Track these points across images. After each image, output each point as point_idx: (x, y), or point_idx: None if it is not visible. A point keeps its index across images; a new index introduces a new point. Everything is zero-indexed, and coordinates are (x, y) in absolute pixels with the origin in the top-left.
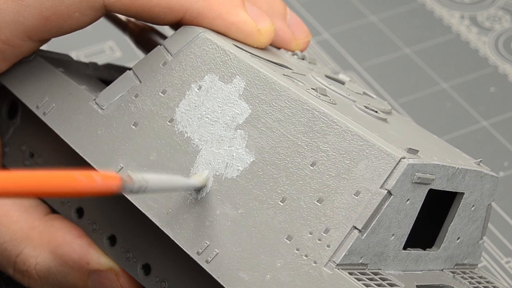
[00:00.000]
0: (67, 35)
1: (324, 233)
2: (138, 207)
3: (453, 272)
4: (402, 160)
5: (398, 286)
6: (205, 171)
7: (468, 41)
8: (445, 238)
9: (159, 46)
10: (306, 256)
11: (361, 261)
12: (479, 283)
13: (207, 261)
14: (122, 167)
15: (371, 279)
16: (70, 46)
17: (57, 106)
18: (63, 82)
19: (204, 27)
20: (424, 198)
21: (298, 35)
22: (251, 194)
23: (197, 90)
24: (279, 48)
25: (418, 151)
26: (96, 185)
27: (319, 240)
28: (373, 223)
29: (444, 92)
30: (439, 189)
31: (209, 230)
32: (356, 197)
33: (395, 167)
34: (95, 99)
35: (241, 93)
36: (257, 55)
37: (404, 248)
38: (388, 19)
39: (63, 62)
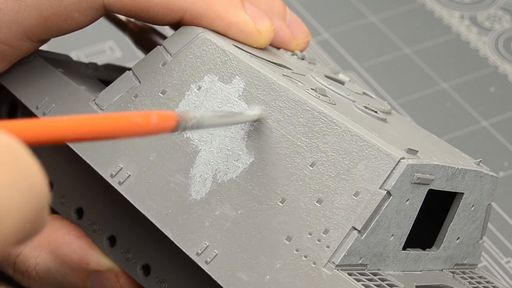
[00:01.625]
0: (67, 35)
1: (324, 233)
2: (138, 208)
3: (452, 272)
4: (402, 160)
5: (398, 286)
6: (256, 107)
7: (468, 41)
8: (444, 238)
9: (158, 46)
10: (305, 256)
11: (360, 261)
12: (479, 283)
13: (206, 262)
14: (122, 168)
15: (370, 280)
16: (70, 46)
17: (57, 106)
18: (63, 82)
19: (204, 27)
20: (423, 198)
21: (297, 35)
22: (250, 195)
23: (197, 91)
24: (278, 48)
25: (417, 151)
26: (152, 125)
27: (318, 240)
28: (373, 223)
29: (444, 92)
30: (439, 189)
31: (208, 231)
32: (355, 198)
33: (394, 167)
34: (94, 100)
35: (241, 93)
36: (257, 55)
37: (404, 248)
38: (388, 19)
39: (62, 63)
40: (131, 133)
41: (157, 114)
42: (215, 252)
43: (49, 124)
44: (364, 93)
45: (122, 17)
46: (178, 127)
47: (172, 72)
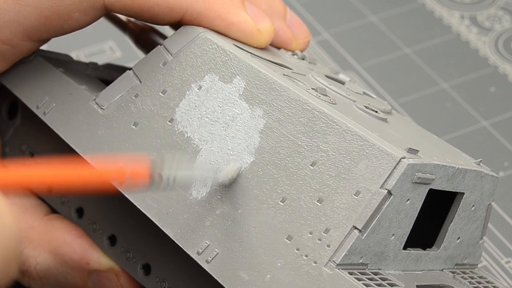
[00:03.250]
0: (67, 35)
1: (324, 233)
2: (139, 207)
3: (453, 272)
4: (402, 160)
5: (398, 286)
6: (235, 165)
7: (468, 41)
8: (445, 238)
9: (159, 46)
10: (306, 256)
11: (361, 261)
12: (479, 283)
13: (207, 261)
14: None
15: (371, 279)
16: (70, 46)
17: (57, 106)
18: (63, 82)
19: (204, 27)
20: (424, 198)
21: (298, 35)
22: (251, 194)
23: (197, 90)
24: (279, 48)
25: (418, 151)
26: (125, 182)
27: (319, 240)
28: (373, 223)
29: (444, 92)
30: (439, 189)
31: (209, 230)
32: (356, 197)
33: (395, 167)
34: (95, 99)
35: (241, 93)
36: (257, 55)
37: (404, 248)
38: (388, 19)
39: (63, 62)
40: (102, 190)
41: (131, 172)
42: (215, 251)
43: (19, 174)
44: (364, 93)
45: (123, 17)
46: (150, 186)
47: (172, 72)
